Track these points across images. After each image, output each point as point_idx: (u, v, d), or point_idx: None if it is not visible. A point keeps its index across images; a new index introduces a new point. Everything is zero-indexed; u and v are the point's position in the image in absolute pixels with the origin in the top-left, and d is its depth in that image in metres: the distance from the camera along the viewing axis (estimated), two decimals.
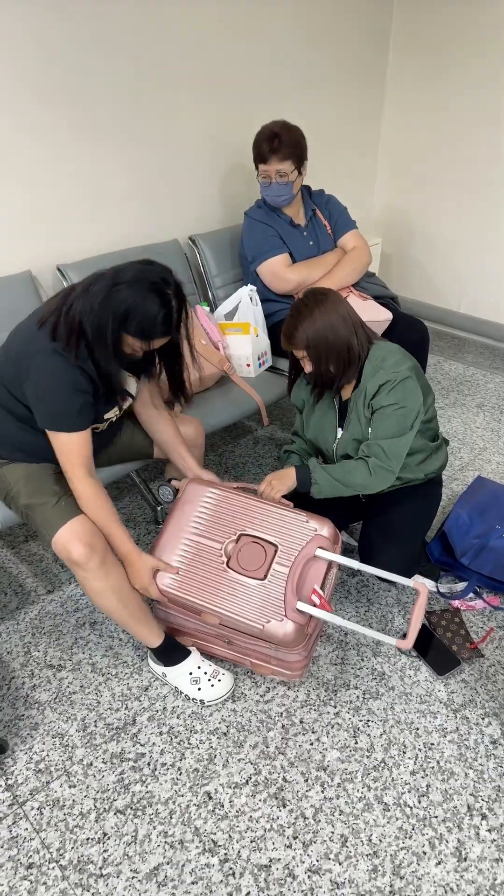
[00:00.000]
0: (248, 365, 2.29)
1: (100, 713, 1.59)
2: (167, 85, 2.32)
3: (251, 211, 2.38)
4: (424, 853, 1.30)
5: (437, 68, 3.06)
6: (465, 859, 1.29)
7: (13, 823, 1.36)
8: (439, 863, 1.29)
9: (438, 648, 1.71)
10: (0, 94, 1.89)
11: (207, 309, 2.29)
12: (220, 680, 1.61)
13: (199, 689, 1.59)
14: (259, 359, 2.31)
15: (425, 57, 3.08)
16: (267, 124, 2.20)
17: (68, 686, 1.66)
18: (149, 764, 1.47)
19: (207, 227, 2.63)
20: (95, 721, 1.57)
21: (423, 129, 3.24)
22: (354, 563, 1.50)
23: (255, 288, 2.30)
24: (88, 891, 1.25)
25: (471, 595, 1.87)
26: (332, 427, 1.76)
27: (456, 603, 1.85)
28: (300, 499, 1.73)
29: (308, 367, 1.63)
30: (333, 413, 1.75)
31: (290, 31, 2.67)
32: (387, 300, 2.47)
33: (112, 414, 1.59)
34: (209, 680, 1.60)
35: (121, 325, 1.31)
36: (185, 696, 1.61)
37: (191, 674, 1.60)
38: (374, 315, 2.30)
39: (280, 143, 2.14)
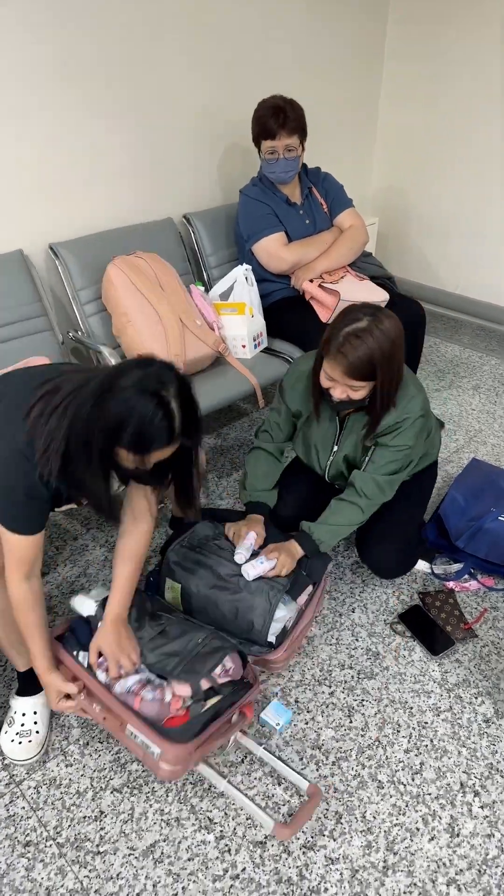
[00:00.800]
0: (244, 346, 2.27)
1: None
2: (161, 62, 2.26)
3: (247, 189, 2.34)
4: (418, 829, 1.32)
5: (436, 45, 3.01)
6: (458, 835, 1.31)
7: (10, 802, 1.37)
8: (432, 839, 1.30)
9: (432, 629, 1.72)
10: None
11: (202, 289, 2.27)
12: (30, 741, 1.44)
13: (6, 732, 1.45)
14: (254, 340, 2.29)
15: (424, 33, 3.02)
16: (266, 99, 2.16)
17: None
18: None
19: (203, 205, 2.59)
20: None
21: (422, 107, 3.18)
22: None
23: (250, 268, 2.27)
24: (86, 867, 1.26)
25: (465, 577, 1.87)
26: (330, 444, 1.67)
27: (451, 584, 1.86)
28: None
29: (357, 396, 1.45)
30: (334, 430, 1.64)
31: (286, 5, 2.60)
32: (383, 280, 2.45)
33: (66, 508, 1.47)
34: (18, 734, 1.44)
35: (112, 437, 1.10)
36: None
37: (15, 713, 1.47)
38: (371, 296, 2.28)
39: (287, 117, 2.11)
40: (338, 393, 1.45)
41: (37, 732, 1.45)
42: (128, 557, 1.42)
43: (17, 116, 1.95)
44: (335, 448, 1.66)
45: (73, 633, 1.49)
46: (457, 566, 1.91)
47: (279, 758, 1.42)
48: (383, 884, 1.24)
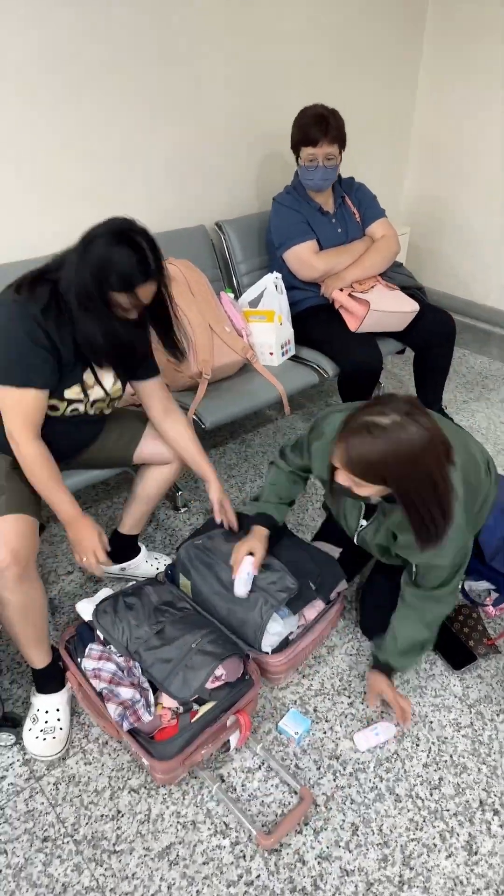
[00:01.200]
0: (272, 353, 2.28)
1: None
2: (201, 69, 2.30)
3: (280, 196, 2.36)
4: (435, 845, 1.31)
5: (473, 55, 2.99)
6: (476, 853, 1.29)
7: (30, 797, 1.39)
8: (449, 855, 1.29)
9: (455, 643, 1.71)
10: (20, 72, 1.88)
11: (232, 296, 2.29)
12: (54, 738, 1.46)
13: (30, 729, 1.47)
14: (282, 347, 2.30)
15: (461, 43, 3.01)
16: (309, 107, 2.18)
17: None
18: None
19: (235, 212, 2.62)
20: None
21: (458, 116, 3.17)
22: None
23: (280, 276, 2.28)
24: (101, 865, 1.27)
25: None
26: (355, 516, 1.52)
27: (492, 610, 1.81)
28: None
29: (362, 493, 1.24)
30: (359, 506, 1.49)
31: (324, 15, 2.62)
32: (414, 291, 2.44)
33: (74, 395, 1.45)
34: (43, 731, 1.46)
35: (103, 283, 1.25)
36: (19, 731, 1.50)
37: (38, 710, 1.49)
38: (401, 306, 2.28)
39: (329, 125, 2.13)
40: (340, 479, 1.24)
41: (60, 729, 1.47)
42: (189, 442, 1.65)
43: (51, 120, 1.99)
44: (362, 524, 1.51)
45: (80, 638, 1.52)
46: (484, 584, 1.88)
47: (277, 760, 1.43)
48: None
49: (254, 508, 1.67)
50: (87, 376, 1.47)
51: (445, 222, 3.45)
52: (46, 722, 1.47)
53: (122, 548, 1.87)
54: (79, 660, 1.48)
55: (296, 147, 2.23)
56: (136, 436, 1.69)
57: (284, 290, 2.29)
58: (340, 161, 2.24)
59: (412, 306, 2.29)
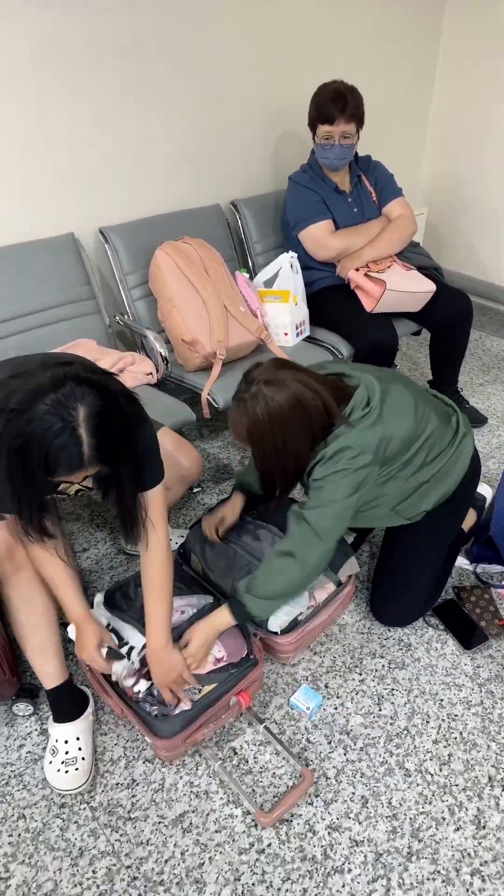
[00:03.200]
0: (286, 334, 2.27)
1: None
2: (216, 46, 2.27)
3: (295, 175, 2.34)
4: (443, 819, 1.32)
5: (494, 30, 2.92)
6: (484, 827, 1.31)
7: (49, 764, 1.43)
8: (458, 829, 1.31)
9: (466, 623, 1.71)
10: (42, 53, 1.88)
11: (247, 275, 2.28)
12: (77, 769, 1.37)
13: (50, 762, 1.39)
14: (297, 328, 2.29)
15: (481, 17, 2.94)
16: (327, 84, 2.15)
17: None
18: None
19: (251, 191, 2.60)
20: None
21: (478, 93, 3.10)
22: None
23: (296, 255, 2.27)
24: (117, 832, 1.31)
25: None
26: None
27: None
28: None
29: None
30: None
31: None
32: (431, 271, 2.42)
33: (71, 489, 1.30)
34: (64, 763, 1.38)
35: (19, 454, 1.00)
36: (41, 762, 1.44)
37: (57, 741, 1.41)
38: (418, 286, 2.26)
39: (346, 103, 2.10)
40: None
41: (83, 759, 1.39)
42: (150, 589, 1.39)
43: (69, 99, 1.99)
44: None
45: None
46: (497, 567, 1.88)
47: (281, 741, 1.46)
48: (406, 869, 1.25)
49: (237, 476, 1.75)
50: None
51: (464, 202, 3.39)
52: (67, 753, 1.38)
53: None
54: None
55: (312, 124, 2.20)
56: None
57: (300, 270, 2.28)
58: (358, 140, 2.21)
59: (429, 287, 2.27)
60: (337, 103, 2.10)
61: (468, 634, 1.68)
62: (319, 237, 2.27)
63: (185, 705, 1.37)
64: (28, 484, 1.04)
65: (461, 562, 1.91)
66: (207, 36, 2.23)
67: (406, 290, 2.23)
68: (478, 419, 2.55)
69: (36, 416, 0.98)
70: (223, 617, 1.43)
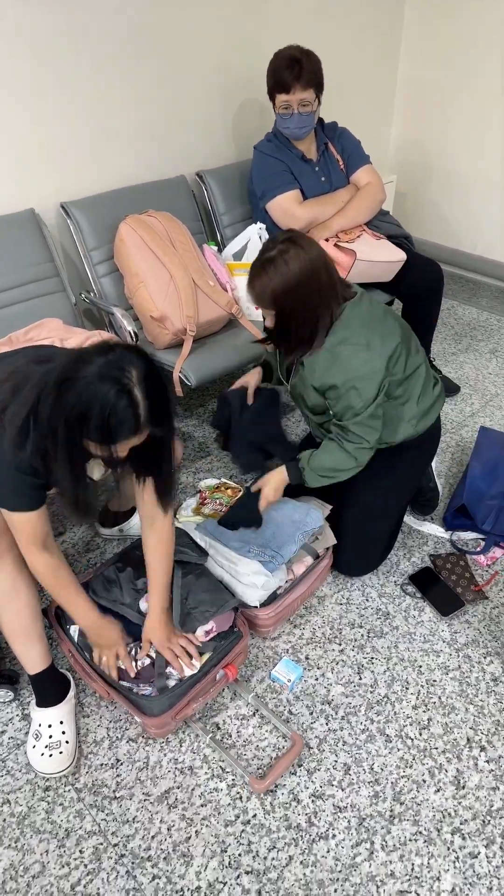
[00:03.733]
0: (258, 308, 2.23)
1: None
2: (172, 13, 2.18)
3: (261, 145, 2.28)
4: (424, 781, 1.35)
5: None
6: (464, 787, 1.34)
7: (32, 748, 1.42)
8: (438, 790, 1.34)
9: (443, 590, 1.74)
10: None
11: (215, 248, 2.23)
12: (60, 752, 1.37)
13: (34, 746, 1.39)
14: None
15: None
16: (283, 50, 2.08)
17: None
18: None
19: (216, 162, 2.53)
20: None
21: (445, 61, 3.06)
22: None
23: (264, 226, 2.23)
24: (103, 811, 1.32)
25: (493, 548, 1.87)
26: (286, 374, 1.70)
27: (482, 559, 1.84)
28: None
29: (268, 324, 1.50)
30: (291, 368, 1.65)
31: None
32: (401, 240, 2.39)
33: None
34: (48, 748, 1.37)
35: (75, 429, 1.05)
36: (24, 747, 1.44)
37: (40, 725, 1.40)
38: (388, 255, 2.23)
39: (302, 69, 2.03)
40: (266, 321, 1.50)
41: (66, 742, 1.38)
42: (153, 553, 1.45)
43: (25, 73, 1.90)
44: (288, 385, 1.70)
45: None
46: (471, 534, 1.90)
47: (269, 708, 1.47)
48: (389, 831, 1.28)
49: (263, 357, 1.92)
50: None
51: (433, 169, 3.36)
52: (51, 737, 1.38)
53: (115, 514, 1.87)
54: (67, 626, 1.50)
55: (270, 93, 2.14)
56: None
57: None
58: (318, 106, 2.16)
59: (399, 256, 2.24)
60: (292, 70, 2.03)
61: (445, 601, 1.71)
62: (287, 207, 2.23)
63: (190, 669, 1.38)
64: (81, 457, 1.10)
65: (436, 529, 1.93)
66: (167, 5, 2.14)
67: (376, 259, 2.21)
68: (451, 388, 2.56)
69: (90, 382, 1.01)
70: (282, 473, 1.63)
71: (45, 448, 1.13)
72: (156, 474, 1.31)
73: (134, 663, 1.41)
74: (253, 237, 2.20)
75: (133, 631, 1.46)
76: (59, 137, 2.06)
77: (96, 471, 1.44)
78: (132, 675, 1.40)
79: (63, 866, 1.24)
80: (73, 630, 1.49)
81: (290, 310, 1.41)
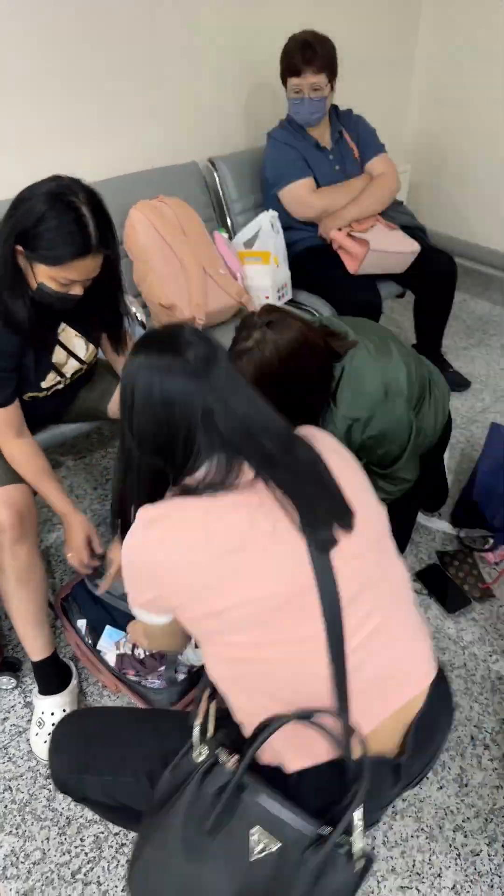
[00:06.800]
0: (267, 297, 2.21)
1: None
2: None
3: (275, 132, 2.25)
4: (427, 778, 1.35)
5: None
6: (466, 785, 1.33)
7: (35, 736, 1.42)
8: (441, 787, 1.33)
9: (450, 587, 1.72)
10: (7, 3, 1.76)
11: (226, 236, 2.21)
12: None
13: (37, 734, 1.40)
14: (279, 291, 2.23)
15: None
16: (296, 34, 2.05)
17: None
18: None
19: (229, 148, 2.50)
20: None
21: (464, 44, 2.99)
22: None
23: (276, 214, 2.20)
24: None
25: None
26: None
27: (491, 556, 1.82)
28: None
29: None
30: None
31: None
32: (414, 231, 2.36)
33: (51, 381, 1.43)
34: (50, 734, 1.28)
35: (23, 248, 1.11)
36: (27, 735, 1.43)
37: (43, 713, 1.40)
38: (401, 246, 2.20)
39: (314, 53, 2.00)
40: None
41: None
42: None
43: (32, 53, 1.87)
44: None
45: (74, 600, 1.53)
46: (478, 531, 1.88)
47: None
48: (391, 827, 1.27)
49: None
50: (58, 355, 1.40)
51: (449, 160, 3.30)
52: (53, 724, 1.37)
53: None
54: (74, 619, 1.50)
55: (283, 77, 2.11)
56: (107, 390, 1.62)
57: (281, 230, 2.21)
58: (331, 92, 2.12)
59: (413, 247, 2.21)
60: (305, 54, 2.00)
61: (451, 598, 1.69)
62: (300, 195, 2.20)
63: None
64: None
65: (444, 526, 1.92)
66: None
67: (390, 250, 2.18)
68: (461, 383, 2.53)
69: (40, 200, 1.06)
70: None
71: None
72: (109, 323, 1.39)
73: (133, 650, 1.39)
74: (265, 225, 2.17)
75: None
76: (68, 120, 2.03)
77: (78, 346, 1.44)
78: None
79: (64, 854, 1.24)
80: (81, 624, 1.48)
81: (281, 391, 1.21)
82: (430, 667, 0.90)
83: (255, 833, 0.79)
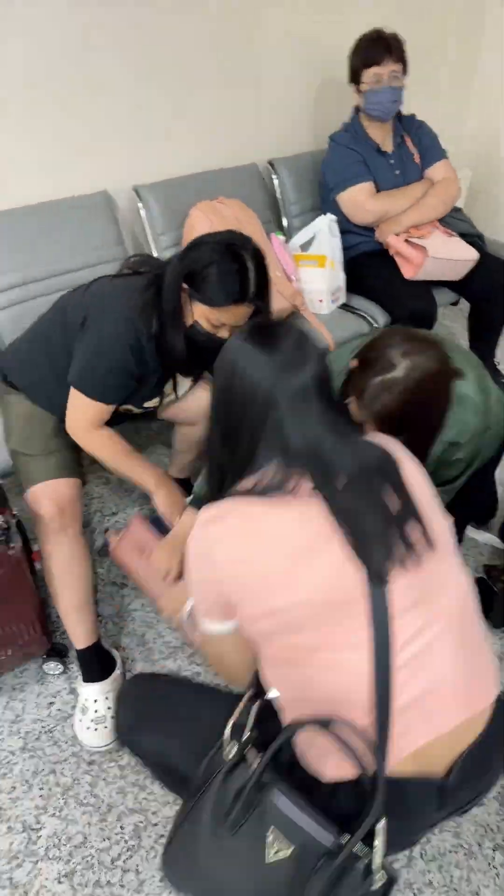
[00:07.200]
0: (321, 301, 2.21)
1: (158, 631, 1.65)
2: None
3: (337, 135, 2.25)
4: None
5: None
6: None
7: (79, 722, 1.45)
8: (482, 805, 1.31)
9: (496, 601, 1.69)
10: (76, 6, 1.80)
11: (283, 238, 2.21)
12: (105, 727, 1.40)
13: (80, 720, 1.42)
14: (333, 295, 2.23)
15: None
16: (368, 32, 2.08)
17: (130, 603, 1.73)
18: None
19: (289, 150, 2.50)
20: (154, 638, 1.64)
21: None
22: None
23: (335, 218, 2.19)
24: (144, 790, 1.34)
25: None
26: None
27: None
28: None
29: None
30: None
31: None
32: (473, 238, 2.32)
33: (150, 404, 1.53)
34: (94, 721, 1.40)
35: (189, 286, 1.23)
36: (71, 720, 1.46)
37: (87, 699, 1.43)
38: (460, 254, 2.18)
39: (391, 45, 2.04)
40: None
41: (112, 718, 1.40)
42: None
43: (106, 52, 1.91)
44: None
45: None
46: None
47: None
48: (429, 840, 1.26)
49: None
50: (168, 387, 1.51)
51: None
52: (96, 712, 1.41)
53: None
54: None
55: (356, 73, 2.10)
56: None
57: (338, 234, 2.21)
58: (405, 85, 2.12)
59: (472, 255, 2.18)
60: (383, 44, 2.04)
61: (498, 613, 1.67)
62: (359, 199, 2.19)
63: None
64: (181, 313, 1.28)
65: (492, 539, 1.88)
66: None
67: (448, 257, 2.15)
68: None
69: (214, 247, 1.19)
70: None
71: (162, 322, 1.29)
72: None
73: None
74: (322, 228, 2.17)
75: None
76: (133, 121, 2.07)
77: (184, 384, 1.55)
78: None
79: (104, 840, 1.27)
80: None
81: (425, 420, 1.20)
82: (489, 689, 0.87)
83: (271, 835, 0.79)
